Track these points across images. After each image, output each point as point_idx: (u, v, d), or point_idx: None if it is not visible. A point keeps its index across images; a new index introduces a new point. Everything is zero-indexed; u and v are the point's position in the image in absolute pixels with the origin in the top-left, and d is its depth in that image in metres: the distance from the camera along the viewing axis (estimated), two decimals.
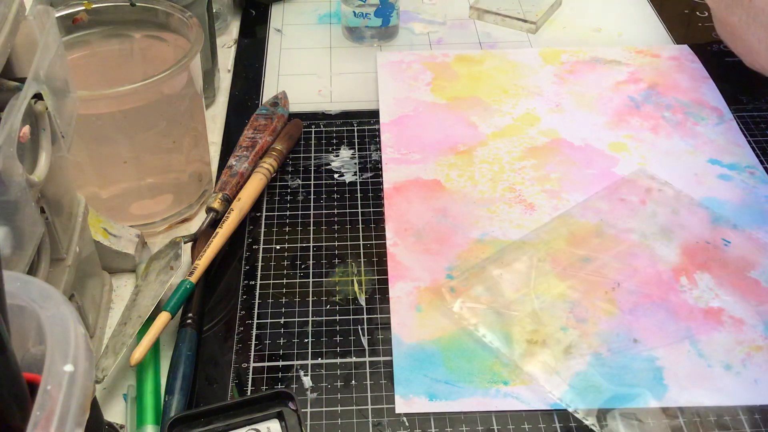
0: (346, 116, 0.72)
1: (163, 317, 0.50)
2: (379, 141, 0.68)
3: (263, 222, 0.60)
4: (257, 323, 0.53)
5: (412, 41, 0.82)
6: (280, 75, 0.78)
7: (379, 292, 0.55)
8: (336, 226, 0.60)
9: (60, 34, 0.45)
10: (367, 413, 0.47)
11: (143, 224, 0.60)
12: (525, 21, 0.83)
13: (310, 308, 0.54)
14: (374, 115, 0.71)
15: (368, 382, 0.49)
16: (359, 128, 0.70)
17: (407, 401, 0.48)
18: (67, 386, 0.26)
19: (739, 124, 0.70)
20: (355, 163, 0.66)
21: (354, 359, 0.50)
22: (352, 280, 0.56)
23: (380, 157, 0.66)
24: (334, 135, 0.69)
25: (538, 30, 0.83)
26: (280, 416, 0.43)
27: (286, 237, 0.59)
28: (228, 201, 0.59)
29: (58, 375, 0.26)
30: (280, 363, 0.50)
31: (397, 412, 0.47)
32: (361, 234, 0.59)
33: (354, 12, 0.79)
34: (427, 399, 0.48)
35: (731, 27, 0.69)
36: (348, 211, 0.61)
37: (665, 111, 0.71)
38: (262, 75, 0.78)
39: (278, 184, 0.64)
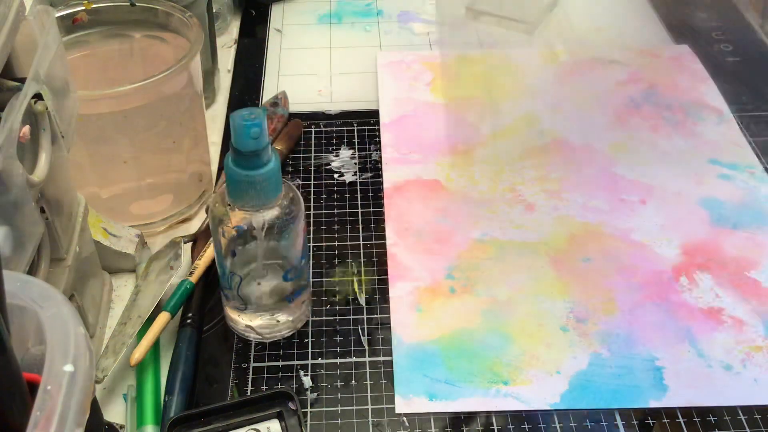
0: (346, 116, 0.72)
1: (163, 317, 0.50)
2: (379, 141, 0.68)
3: None
4: None
5: (412, 41, 0.82)
6: (280, 75, 0.78)
7: (379, 292, 0.55)
8: (336, 226, 0.60)
9: (60, 34, 0.45)
10: (367, 413, 0.47)
11: (143, 224, 0.60)
12: (521, 22, 0.83)
13: (310, 308, 0.54)
14: (374, 115, 0.71)
15: (368, 382, 0.49)
16: (359, 128, 0.70)
17: (407, 401, 0.48)
18: (67, 386, 0.26)
19: (739, 124, 0.70)
20: (355, 163, 0.66)
21: (354, 359, 0.50)
22: (352, 280, 0.56)
23: (380, 157, 0.66)
24: (334, 135, 0.69)
25: (534, 31, 0.83)
26: (280, 416, 0.43)
27: None
28: None
29: (58, 375, 0.26)
30: (280, 363, 0.50)
31: (397, 412, 0.47)
32: (361, 234, 0.59)
33: None
34: (427, 399, 0.48)
35: None
36: (348, 211, 0.61)
37: (665, 111, 0.71)
38: (262, 75, 0.78)
39: None
